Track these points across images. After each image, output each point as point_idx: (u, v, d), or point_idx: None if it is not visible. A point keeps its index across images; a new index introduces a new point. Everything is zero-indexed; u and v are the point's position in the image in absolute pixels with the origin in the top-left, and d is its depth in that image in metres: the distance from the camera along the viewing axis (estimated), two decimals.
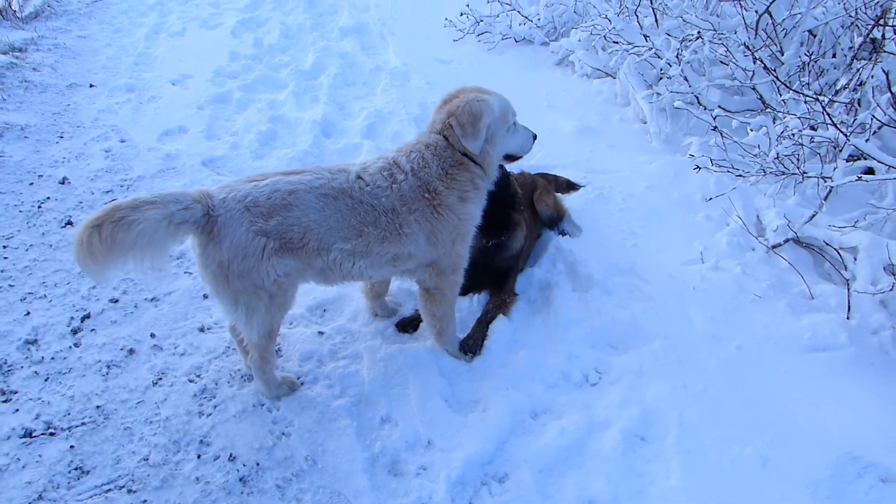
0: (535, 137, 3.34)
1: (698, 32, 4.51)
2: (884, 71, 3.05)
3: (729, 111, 4.54)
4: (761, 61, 3.87)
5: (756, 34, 4.64)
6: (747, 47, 4.10)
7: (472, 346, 3.46)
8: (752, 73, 4.09)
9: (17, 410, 3.17)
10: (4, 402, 3.22)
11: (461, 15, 7.36)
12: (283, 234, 2.77)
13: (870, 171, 3.54)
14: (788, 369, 3.18)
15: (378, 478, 2.84)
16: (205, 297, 3.89)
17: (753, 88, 4.35)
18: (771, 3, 4.49)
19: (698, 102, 4.66)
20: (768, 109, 4.13)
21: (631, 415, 3.04)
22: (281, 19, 8.14)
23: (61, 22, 8.41)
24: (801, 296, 3.54)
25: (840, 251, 3.65)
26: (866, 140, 3.47)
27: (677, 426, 2.97)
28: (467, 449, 2.90)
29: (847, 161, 3.63)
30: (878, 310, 3.38)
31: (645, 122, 5.22)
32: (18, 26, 7.97)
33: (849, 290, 3.32)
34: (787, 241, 3.71)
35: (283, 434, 3.04)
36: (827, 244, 3.56)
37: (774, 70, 3.88)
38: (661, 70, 4.93)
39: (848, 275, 3.39)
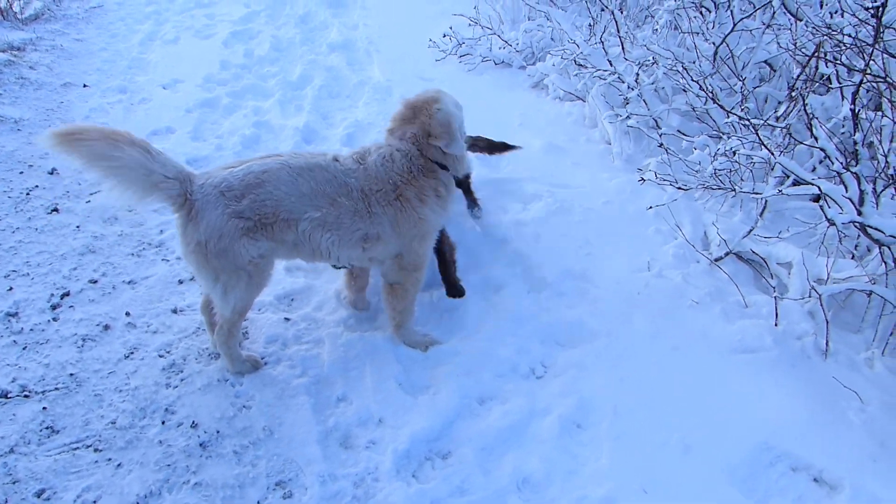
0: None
1: (653, 59, 4.84)
2: (806, 110, 3.34)
3: (685, 134, 4.86)
4: (702, 88, 4.20)
5: (714, 65, 4.97)
6: (692, 78, 4.43)
7: (459, 289, 3.92)
8: (705, 99, 4.41)
9: None
10: None
11: (444, 36, 7.68)
12: (257, 211, 3.03)
13: (817, 198, 3.82)
14: (718, 367, 3.44)
15: (330, 449, 3.05)
16: (179, 282, 4.11)
17: (707, 113, 4.67)
18: (726, 37, 4.82)
19: (657, 126, 4.97)
20: (723, 134, 4.43)
21: (569, 403, 3.27)
22: (272, 33, 8.44)
23: (60, 25, 8.66)
24: (737, 304, 3.81)
25: (776, 265, 3.94)
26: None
27: (611, 414, 3.21)
28: (415, 426, 3.12)
29: (795, 185, 3.94)
30: (805, 319, 3.65)
31: (609, 143, 5.52)
32: (18, 27, 8.22)
33: (776, 299, 3.59)
34: (727, 254, 3.99)
35: (244, 406, 3.25)
36: (761, 258, 3.84)
37: (714, 98, 4.20)
38: (624, 95, 5.24)
39: (774, 282, 3.67)
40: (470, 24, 7.79)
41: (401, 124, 3.47)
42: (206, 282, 3.13)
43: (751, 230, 3.89)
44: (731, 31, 4.83)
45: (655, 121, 4.96)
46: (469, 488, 2.88)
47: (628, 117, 5.14)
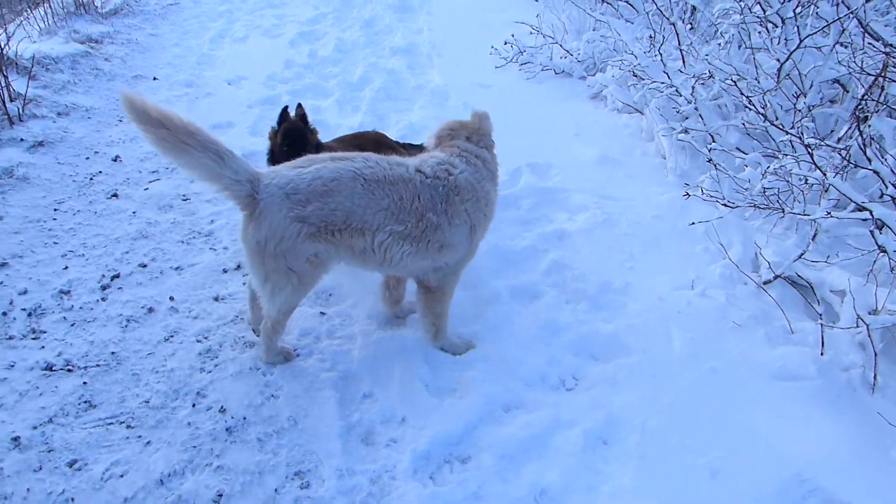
0: None
1: (709, 73, 4.71)
2: (860, 131, 3.19)
3: (744, 152, 4.71)
4: (752, 104, 4.05)
5: (777, 82, 4.81)
6: (748, 94, 4.29)
7: None
8: (763, 116, 4.26)
9: (43, 347, 3.53)
10: (34, 339, 3.59)
11: (505, 44, 7.68)
12: (323, 219, 3.02)
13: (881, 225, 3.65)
14: (755, 392, 3.31)
15: (351, 444, 3.07)
16: (224, 271, 4.21)
17: (766, 131, 4.52)
18: (791, 53, 4.66)
19: (713, 141, 4.83)
20: (779, 153, 4.29)
21: (597, 417, 3.21)
22: (338, 34, 8.60)
23: (137, 20, 9.04)
24: (782, 330, 3.67)
25: (829, 292, 3.78)
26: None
27: (639, 432, 3.13)
28: (437, 428, 3.12)
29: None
30: (855, 350, 3.48)
31: (665, 157, 5.40)
32: (98, 21, 8.62)
33: (822, 326, 3.43)
34: (776, 277, 3.85)
35: (272, 396, 3.31)
36: (810, 284, 3.69)
37: (765, 115, 4.06)
38: (682, 108, 5.12)
39: (822, 309, 3.52)
40: (532, 33, 7.76)
41: (451, 134, 3.56)
42: (257, 279, 3.15)
43: (801, 254, 3.74)
44: (797, 47, 4.66)
45: (711, 136, 4.83)
46: (485, 495, 2.85)
47: (685, 131, 5.03)
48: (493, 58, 7.75)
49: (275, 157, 4.20)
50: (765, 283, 3.91)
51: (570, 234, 4.62)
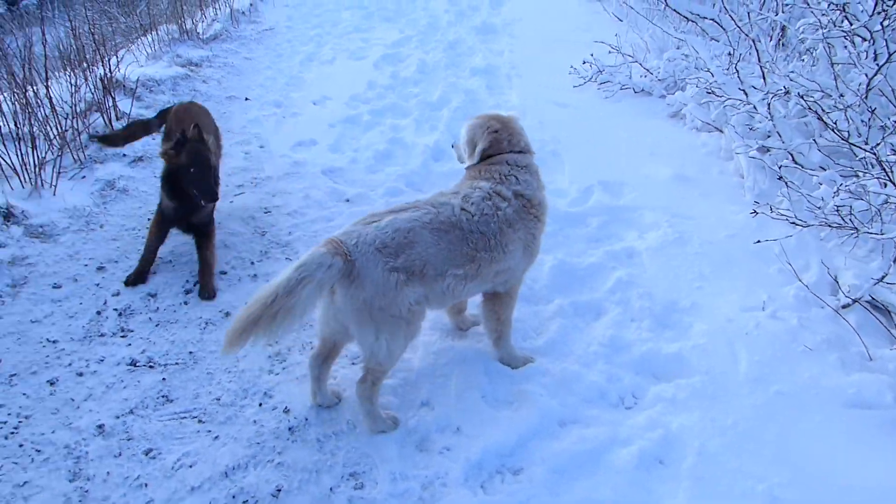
0: None
1: (785, 88, 4.58)
2: None
3: (824, 170, 4.55)
4: (828, 122, 3.91)
5: (864, 97, 4.62)
6: (823, 109, 4.14)
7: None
8: (838, 132, 4.12)
9: (130, 345, 3.81)
10: (122, 336, 3.88)
11: (584, 63, 7.69)
12: (409, 268, 3.09)
13: None
14: (824, 419, 3.18)
15: (406, 449, 3.15)
16: None
17: (850, 149, 4.35)
18: (881, 67, 4.48)
19: (794, 161, 4.69)
20: (860, 172, 4.12)
21: (654, 437, 3.16)
22: (420, 56, 8.82)
23: (234, 45, 9.58)
24: (858, 356, 3.51)
25: None
26: None
27: (697, 454, 3.07)
28: (490, 439, 3.16)
29: None
30: None
31: (743, 176, 5.27)
32: (199, 46, 9.18)
33: None
34: (854, 301, 3.69)
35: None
36: (886, 308, 3.52)
37: (837, 130, 3.90)
38: (762, 126, 5.00)
39: None
40: (611, 52, 7.74)
41: (516, 136, 3.62)
42: (368, 337, 3.09)
43: (882, 277, 3.58)
44: (887, 61, 4.48)
45: (791, 155, 4.69)
46: None
47: (763, 149, 4.90)
48: (571, 77, 7.77)
49: (172, 177, 4.36)
50: (842, 306, 3.75)
51: (639, 252, 4.58)
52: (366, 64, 8.66)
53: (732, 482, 2.93)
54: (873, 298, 3.67)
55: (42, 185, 5.16)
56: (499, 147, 3.54)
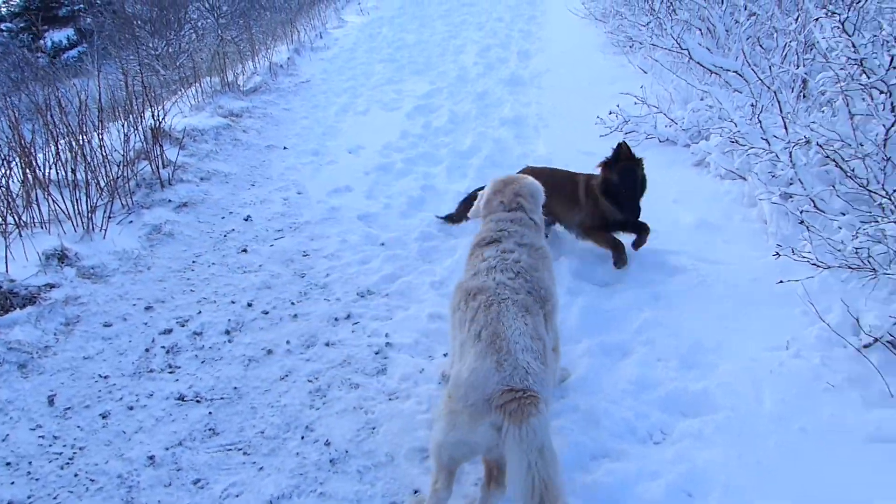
0: None
1: (805, 138, 4.74)
2: None
3: (843, 213, 4.68)
4: (845, 169, 4.06)
5: (884, 147, 4.77)
6: (843, 158, 4.30)
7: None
8: (854, 179, 4.26)
9: (178, 380, 4.01)
10: (170, 373, 4.08)
11: (610, 113, 7.93)
12: None
13: None
14: (847, 455, 3.25)
15: None
16: (336, 320, 4.61)
17: (869, 195, 4.48)
18: None
19: (815, 206, 4.82)
20: (878, 218, 4.24)
21: (681, 471, 3.25)
22: (451, 107, 9.15)
23: (273, 96, 10.03)
24: (880, 393, 3.58)
25: None
26: None
27: (722, 488, 3.15)
28: None
29: None
30: None
31: (766, 222, 5.41)
32: (240, 97, 9.64)
33: None
34: (875, 340, 3.78)
35: (372, 431, 3.60)
36: None
37: (854, 176, 4.04)
38: (784, 174, 5.16)
39: None
40: (636, 103, 7.97)
41: (493, 197, 3.80)
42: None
43: None
44: None
45: (813, 202, 4.82)
46: None
47: (786, 196, 5.04)
48: (597, 127, 8.01)
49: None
50: (864, 346, 3.84)
51: (665, 294, 4.71)
52: (398, 114, 9.01)
53: None
54: (894, 338, 3.75)
55: (93, 228, 5.47)
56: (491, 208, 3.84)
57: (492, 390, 2.70)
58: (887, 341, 3.83)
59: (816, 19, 5.61)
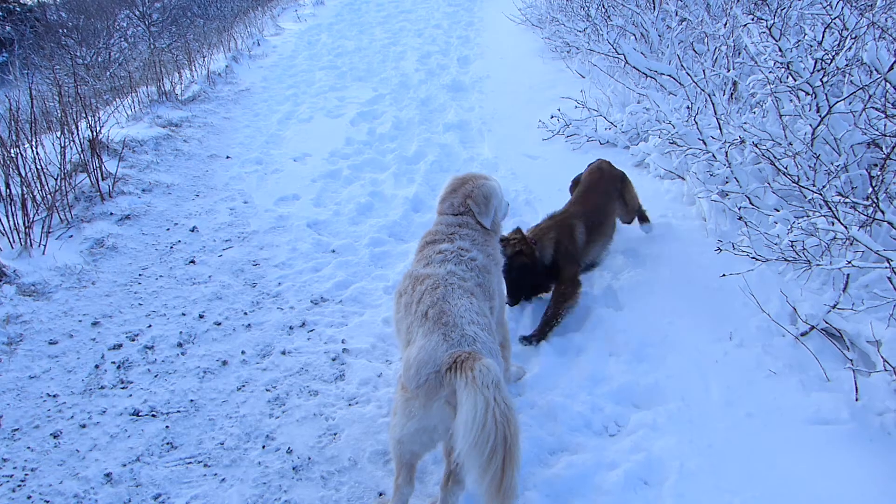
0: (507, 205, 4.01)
1: (741, 138, 4.98)
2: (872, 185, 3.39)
3: (777, 209, 4.92)
4: (778, 167, 4.31)
5: (811, 145, 5.03)
6: (775, 157, 4.54)
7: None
8: (788, 176, 4.50)
9: (131, 395, 3.94)
10: (123, 388, 4.00)
11: (552, 117, 8.11)
12: None
13: None
14: (789, 436, 3.45)
15: None
16: (290, 328, 4.59)
17: (800, 191, 4.73)
18: (823, 118, 4.90)
19: (750, 203, 5.06)
20: (810, 212, 4.48)
21: (637, 460, 3.38)
22: (395, 113, 9.20)
23: (212, 105, 9.87)
24: (817, 378, 3.80)
25: (865, 343, 3.90)
26: None
27: (677, 473, 3.29)
28: None
29: None
30: (891, 397, 3.59)
31: (705, 220, 5.63)
32: (178, 107, 9.46)
33: (854, 372, 3.57)
34: (811, 329, 4.00)
35: (334, 437, 3.61)
36: (840, 333, 3.83)
37: (787, 173, 4.29)
38: (720, 173, 5.38)
39: (852, 355, 3.65)
40: (577, 107, 8.18)
41: (446, 199, 3.76)
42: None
43: (834, 305, 3.90)
44: (828, 113, 4.90)
45: (749, 199, 5.06)
46: None
47: (722, 194, 5.27)
48: (540, 131, 8.18)
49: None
50: (801, 334, 4.06)
51: (613, 291, 4.87)
52: (342, 121, 9.00)
53: (711, 498, 3.15)
54: (828, 324, 3.98)
55: (31, 244, 5.30)
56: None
57: (441, 361, 2.72)
58: (822, 329, 4.06)
59: (745, 25, 5.89)
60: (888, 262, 3.25)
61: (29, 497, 3.25)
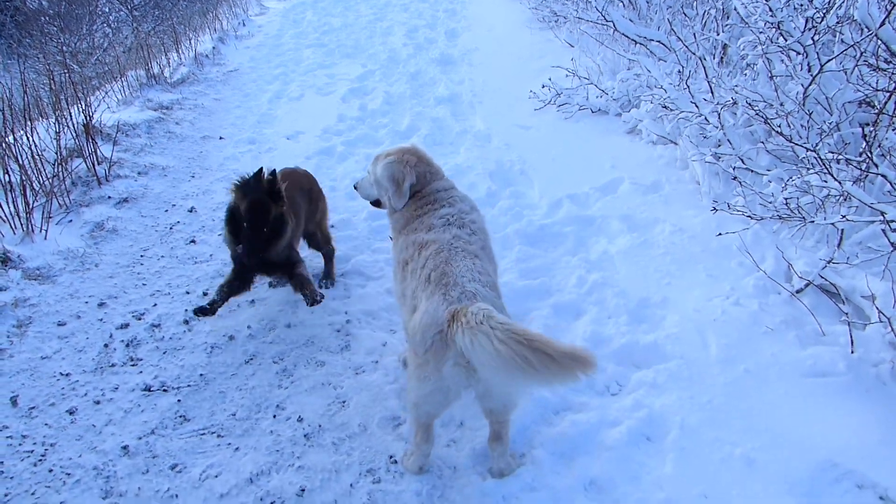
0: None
1: (733, 100, 5.04)
2: (865, 141, 3.45)
3: (770, 169, 4.99)
4: (771, 127, 4.36)
5: (802, 105, 5.09)
6: (767, 117, 4.59)
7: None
8: (782, 135, 4.56)
9: (141, 372, 4.01)
10: (133, 365, 4.07)
11: (543, 87, 8.13)
12: None
13: None
14: (787, 389, 3.55)
15: None
16: (294, 302, 4.65)
17: (793, 151, 4.80)
18: (814, 78, 4.95)
19: (744, 164, 5.12)
20: (804, 170, 4.55)
21: (639, 417, 3.48)
22: (385, 89, 9.19)
23: (202, 87, 9.84)
24: (813, 332, 3.89)
25: (860, 297, 3.99)
26: None
27: (678, 428, 3.39)
28: None
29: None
30: (886, 349, 3.69)
31: (699, 183, 5.70)
32: (168, 90, 9.42)
33: (850, 325, 3.66)
34: (807, 285, 4.08)
35: (343, 405, 3.69)
36: (836, 288, 3.92)
37: (781, 133, 4.34)
38: (713, 136, 5.44)
39: (847, 308, 3.74)
40: (567, 76, 8.19)
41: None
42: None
43: (829, 261, 3.98)
44: (819, 72, 4.95)
45: (742, 160, 5.12)
46: (539, 486, 3.15)
47: (715, 157, 5.33)
48: (531, 101, 8.19)
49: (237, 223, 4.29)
50: (797, 291, 4.15)
51: (610, 256, 4.94)
52: (333, 98, 8.99)
53: (712, 450, 3.26)
54: (824, 280, 4.07)
55: (33, 230, 5.32)
56: (423, 181, 3.56)
57: (442, 320, 2.76)
58: (817, 285, 4.15)
59: None
60: (882, 215, 3.32)
61: (51, 470, 3.32)
